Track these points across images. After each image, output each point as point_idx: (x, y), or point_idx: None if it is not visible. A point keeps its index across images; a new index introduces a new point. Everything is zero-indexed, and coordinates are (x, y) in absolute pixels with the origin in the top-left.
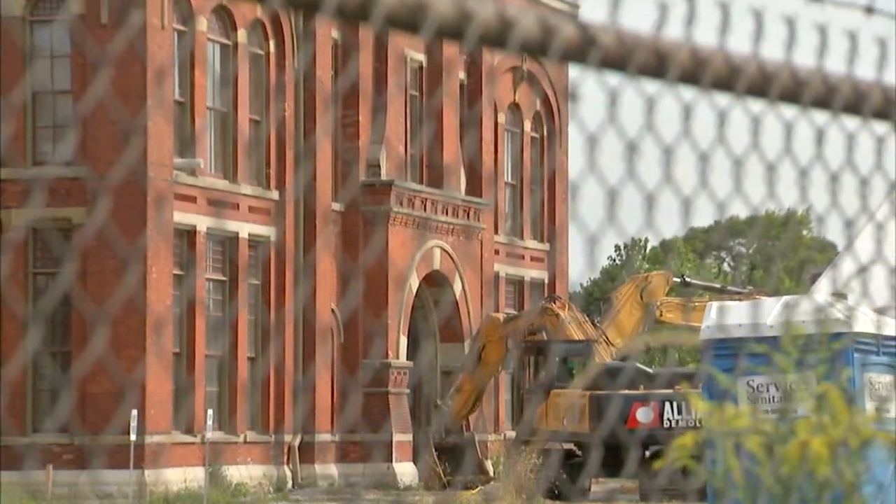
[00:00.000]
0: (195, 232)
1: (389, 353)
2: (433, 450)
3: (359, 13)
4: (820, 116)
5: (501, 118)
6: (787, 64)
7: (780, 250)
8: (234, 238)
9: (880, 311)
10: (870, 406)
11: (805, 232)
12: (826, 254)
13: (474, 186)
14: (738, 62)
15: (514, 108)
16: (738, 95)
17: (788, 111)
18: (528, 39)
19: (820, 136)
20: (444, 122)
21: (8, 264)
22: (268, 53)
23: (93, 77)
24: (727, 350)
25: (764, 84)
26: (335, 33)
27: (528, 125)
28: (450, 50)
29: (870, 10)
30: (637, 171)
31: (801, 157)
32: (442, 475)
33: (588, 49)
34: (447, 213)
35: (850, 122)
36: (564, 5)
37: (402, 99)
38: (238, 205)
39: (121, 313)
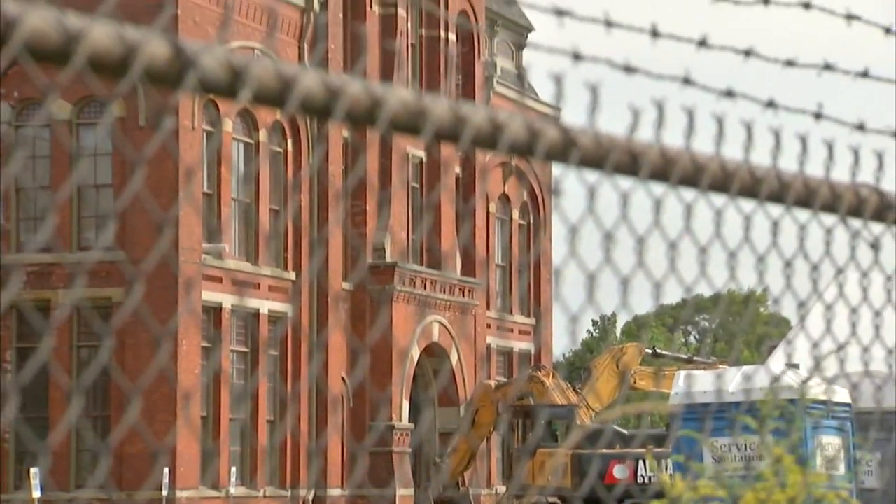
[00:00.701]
0: (221, 309)
1: (393, 416)
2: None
3: (366, 118)
4: (775, 209)
5: (493, 207)
6: (745, 163)
7: (741, 325)
8: (255, 314)
9: (830, 381)
10: (821, 465)
11: (762, 309)
12: (781, 328)
13: (469, 268)
14: (701, 161)
15: (504, 198)
16: (702, 191)
17: (747, 204)
18: (516, 141)
19: (775, 227)
20: (442, 211)
21: (54, 339)
22: (286, 151)
23: (131, 173)
24: (694, 414)
25: (725, 180)
26: (345, 133)
27: (516, 214)
28: (447, 148)
29: (819, 116)
30: (613, 257)
31: (758, 245)
32: None
33: (569, 149)
34: (444, 292)
35: (802, 214)
36: (548, 108)
37: (404, 191)
38: (259, 284)
39: (154, 382)
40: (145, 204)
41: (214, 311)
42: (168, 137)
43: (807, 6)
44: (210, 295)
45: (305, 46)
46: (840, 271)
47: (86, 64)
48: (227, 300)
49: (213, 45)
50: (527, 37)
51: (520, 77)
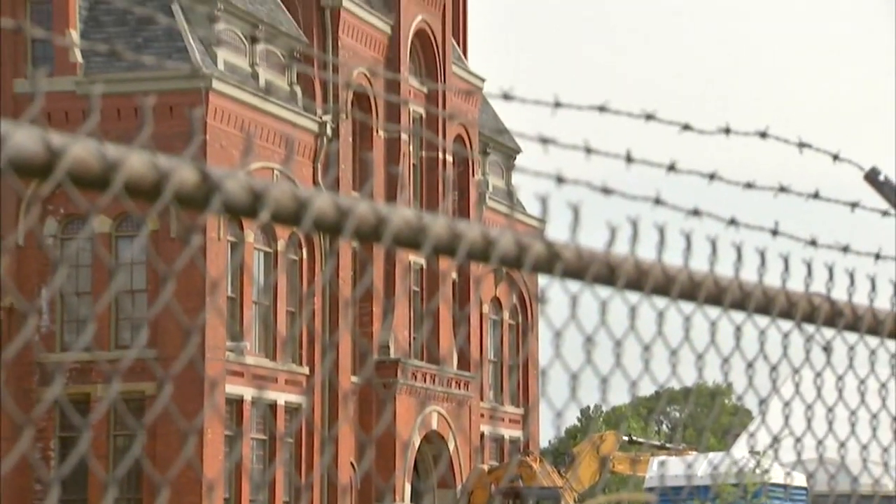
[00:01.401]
0: (242, 401)
1: (397, 497)
2: None
3: (372, 235)
4: (738, 316)
5: (485, 309)
6: (710, 274)
7: (709, 417)
8: (273, 406)
9: (789, 467)
10: None
11: (727, 401)
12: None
13: (464, 363)
14: (671, 273)
15: (496, 301)
16: (673, 299)
17: (713, 311)
18: (507, 255)
19: (738, 331)
20: (440, 313)
21: (93, 429)
22: (301, 259)
23: (163, 282)
24: (666, 497)
25: (693, 290)
26: (355, 244)
27: (506, 315)
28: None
29: (775, 233)
30: (593, 358)
31: (723, 347)
32: None
33: (553, 262)
34: (443, 385)
35: (762, 320)
36: (535, 220)
37: (406, 295)
38: (277, 378)
39: (182, 468)
40: (175, 314)
41: (236, 403)
42: (196, 248)
43: (763, 135)
44: (232, 388)
45: (319, 166)
46: (796, 371)
47: (123, 189)
48: (247, 393)
49: (236, 171)
50: (515, 158)
51: (509, 193)
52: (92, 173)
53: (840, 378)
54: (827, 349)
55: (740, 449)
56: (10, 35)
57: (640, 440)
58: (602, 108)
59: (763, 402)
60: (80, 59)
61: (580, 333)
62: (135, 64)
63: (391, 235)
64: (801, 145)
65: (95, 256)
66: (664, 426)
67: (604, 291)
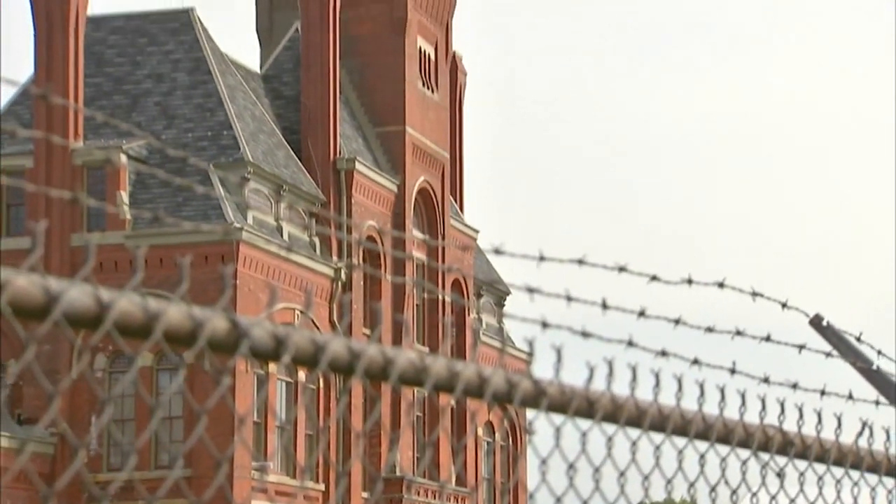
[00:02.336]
0: None
1: None
2: None
3: (380, 375)
4: (702, 445)
5: (479, 431)
6: (677, 408)
7: None
8: None
9: None
10: None
11: None
12: None
13: (462, 480)
14: (644, 407)
15: (489, 424)
16: (645, 430)
17: (679, 441)
18: (498, 391)
19: (702, 458)
20: (440, 438)
21: None
22: (318, 388)
23: (198, 410)
24: None
25: (662, 422)
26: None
27: (498, 437)
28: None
29: (733, 372)
30: (575, 482)
31: (689, 472)
32: None
33: (540, 398)
34: (442, 498)
35: (722, 449)
36: (523, 353)
37: (410, 422)
38: (296, 494)
39: None
40: (207, 446)
41: None
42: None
43: (721, 286)
44: (257, 503)
45: (334, 307)
46: (754, 494)
47: (162, 338)
48: None
49: (262, 319)
50: (506, 299)
51: (500, 330)
52: (136, 324)
53: (792, 501)
54: (780, 475)
55: None
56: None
57: None
58: (581, 262)
59: None
60: (129, 216)
61: (564, 461)
62: (176, 222)
63: (397, 375)
64: (754, 294)
65: (137, 391)
66: None
67: (584, 423)
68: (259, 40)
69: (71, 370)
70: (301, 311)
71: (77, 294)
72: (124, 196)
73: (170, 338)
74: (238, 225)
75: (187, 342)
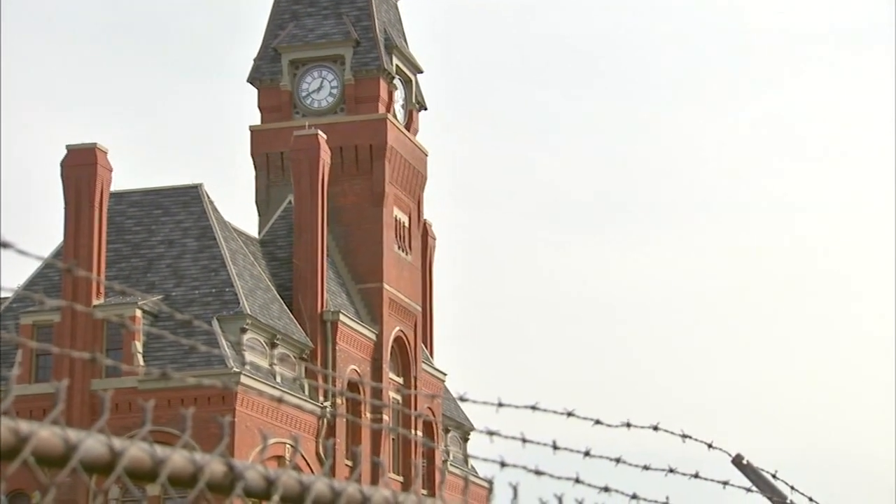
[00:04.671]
0: None
1: None
2: None
3: None
4: None
5: None
6: None
7: None
8: None
9: None
10: None
11: None
12: None
13: None
14: None
15: None
16: None
17: None
18: None
19: None
20: None
21: None
22: None
23: None
24: None
25: None
26: None
27: None
28: None
29: (606, 491)
30: None
31: None
32: None
33: None
34: None
35: None
36: (485, 482)
37: None
38: None
39: None
40: None
41: None
42: None
43: (655, 429)
44: None
45: (321, 441)
46: None
47: (166, 481)
48: None
49: (254, 464)
50: (470, 434)
51: (465, 460)
52: (144, 468)
53: None
54: None
55: None
56: (88, 342)
57: None
58: (534, 408)
59: None
60: (142, 363)
61: None
62: (182, 378)
63: None
64: (684, 436)
65: None
66: None
67: None
68: (258, 211)
69: (87, 502)
70: (292, 446)
71: (93, 443)
72: (139, 346)
73: (174, 481)
74: (237, 369)
75: (189, 484)
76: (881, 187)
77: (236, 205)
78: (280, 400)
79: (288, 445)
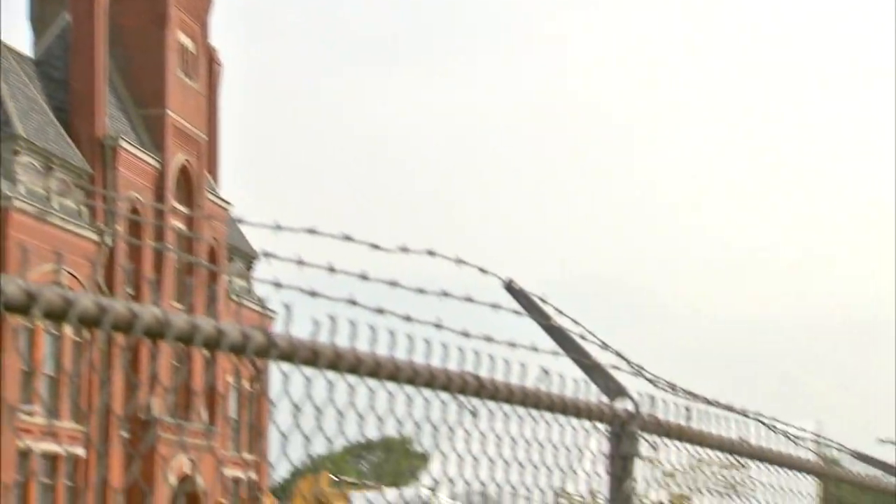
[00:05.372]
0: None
1: None
2: None
3: (125, 328)
4: (410, 389)
5: (229, 378)
6: (390, 358)
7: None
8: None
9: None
10: None
11: (408, 447)
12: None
13: (212, 419)
14: (362, 357)
15: (236, 369)
16: (362, 377)
17: (392, 386)
18: (234, 343)
19: (409, 400)
20: (192, 381)
21: None
22: (83, 341)
23: None
24: None
25: (377, 370)
26: None
27: (245, 384)
28: None
29: (439, 327)
30: (300, 422)
31: (398, 414)
32: None
33: (271, 349)
34: (193, 437)
35: (428, 393)
36: (271, 312)
37: (164, 368)
38: (60, 434)
39: None
40: None
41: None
42: None
43: (431, 253)
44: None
45: (97, 268)
46: (451, 430)
47: None
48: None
49: (15, 277)
50: (254, 263)
51: (250, 291)
52: None
53: (483, 435)
54: (473, 413)
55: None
56: None
57: (348, 479)
58: (312, 231)
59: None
60: None
61: (291, 404)
62: None
63: (142, 329)
64: (459, 261)
65: None
66: (365, 468)
67: (309, 371)
68: (32, 29)
69: None
70: (70, 273)
71: None
72: None
73: None
74: (9, 193)
75: None
76: None
77: (7, 22)
78: (53, 223)
79: (67, 272)
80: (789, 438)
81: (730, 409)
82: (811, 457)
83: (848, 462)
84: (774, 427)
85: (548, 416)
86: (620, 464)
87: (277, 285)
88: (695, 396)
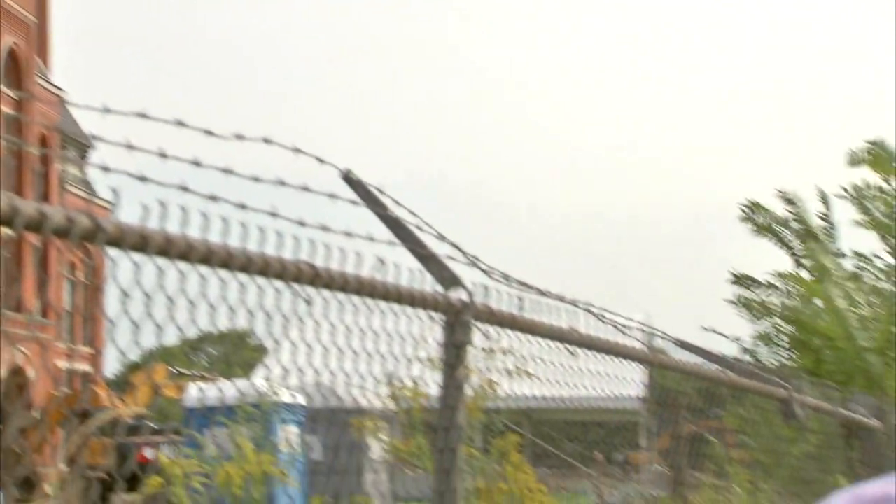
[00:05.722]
0: None
1: None
2: None
3: None
4: (244, 277)
5: (64, 270)
6: (224, 245)
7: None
8: None
9: (294, 390)
10: (285, 445)
11: (250, 340)
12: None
13: (46, 312)
14: (193, 243)
15: (72, 264)
16: (193, 264)
17: (225, 274)
18: (59, 227)
19: (243, 287)
20: (27, 274)
21: None
22: None
23: None
24: (202, 415)
25: (209, 257)
26: None
27: (80, 276)
28: None
29: (274, 215)
30: (129, 309)
31: (249, 303)
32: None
33: (98, 234)
34: (27, 329)
35: (262, 281)
36: (106, 203)
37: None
38: None
39: None
40: None
41: None
42: None
43: (267, 141)
44: None
45: None
46: (286, 318)
47: None
48: None
49: None
50: (88, 151)
51: (85, 181)
52: None
53: (318, 323)
54: (308, 302)
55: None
56: None
57: (184, 371)
58: (143, 115)
59: (275, 342)
60: None
61: (119, 290)
62: None
63: None
64: (296, 150)
65: None
66: (204, 362)
67: (138, 257)
68: None
69: None
70: None
71: None
72: None
73: None
74: None
75: None
76: None
77: None
78: None
79: None
80: (617, 328)
81: (561, 299)
82: (638, 345)
83: (672, 350)
84: (603, 317)
85: (383, 305)
86: (454, 352)
87: (105, 169)
88: (528, 287)
